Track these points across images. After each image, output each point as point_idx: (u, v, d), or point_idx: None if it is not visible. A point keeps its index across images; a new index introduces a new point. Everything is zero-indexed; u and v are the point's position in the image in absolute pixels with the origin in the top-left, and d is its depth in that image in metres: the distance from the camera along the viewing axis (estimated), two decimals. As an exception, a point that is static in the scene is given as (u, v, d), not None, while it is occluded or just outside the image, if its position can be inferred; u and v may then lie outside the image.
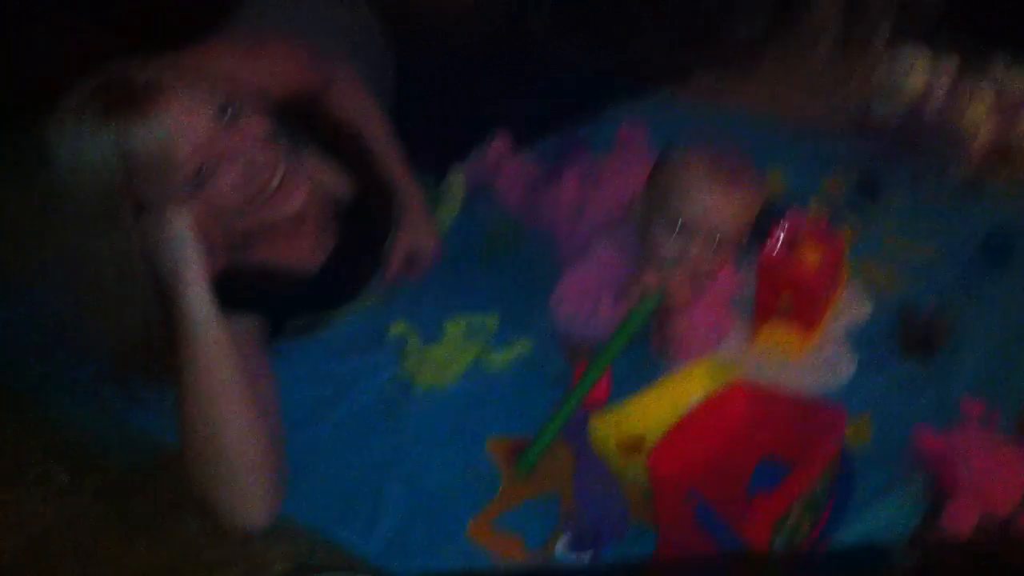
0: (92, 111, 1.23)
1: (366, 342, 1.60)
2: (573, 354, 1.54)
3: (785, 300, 1.56)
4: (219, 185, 1.31)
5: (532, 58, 2.23)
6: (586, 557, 1.23)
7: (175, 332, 1.25)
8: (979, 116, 2.02)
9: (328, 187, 1.59)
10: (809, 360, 1.54)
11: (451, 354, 1.54)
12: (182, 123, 1.26)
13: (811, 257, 1.59)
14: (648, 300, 1.42)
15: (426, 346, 1.57)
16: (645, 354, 1.54)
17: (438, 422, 1.45)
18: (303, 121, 1.53)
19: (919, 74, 2.11)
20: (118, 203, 1.26)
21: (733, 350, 1.55)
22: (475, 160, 1.99)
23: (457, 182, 1.96)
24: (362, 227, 1.65)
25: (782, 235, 1.57)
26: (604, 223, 1.59)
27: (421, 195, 1.75)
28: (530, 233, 1.83)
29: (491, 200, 1.93)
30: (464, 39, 2.17)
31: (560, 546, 1.24)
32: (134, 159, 1.24)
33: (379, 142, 1.71)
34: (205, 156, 1.29)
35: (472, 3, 2.37)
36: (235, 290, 1.35)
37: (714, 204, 1.40)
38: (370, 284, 1.70)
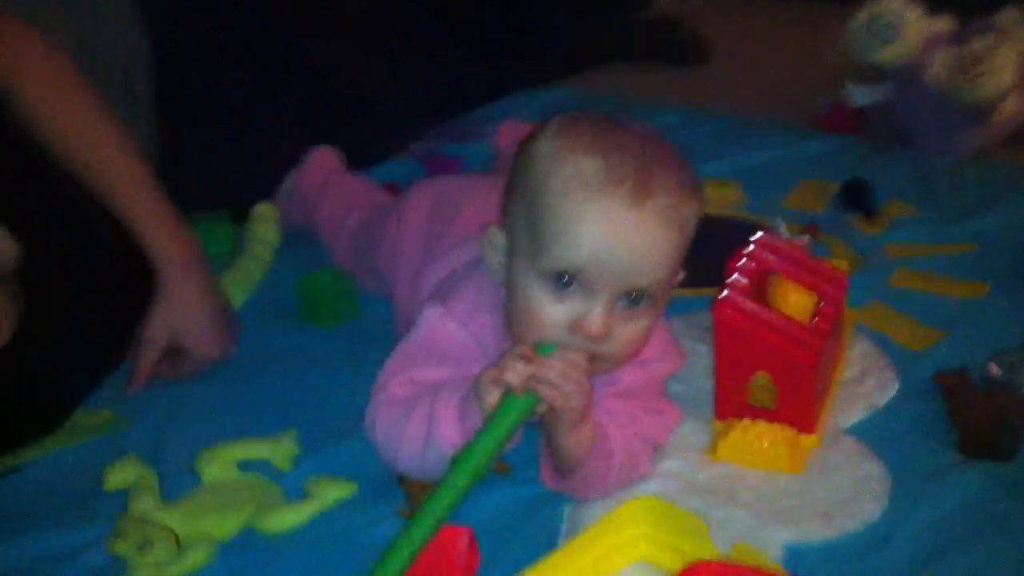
0: None
1: (68, 501, 0.96)
2: (415, 499, 0.91)
3: (761, 381, 0.94)
4: None
5: (385, 41, 1.60)
6: None
7: None
8: (1002, 82, 1.43)
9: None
10: (810, 485, 0.91)
11: (202, 518, 0.90)
12: None
13: (796, 306, 0.97)
14: (513, 405, 0.79)
15: (165, 505, 0.93)
16: (538, 490, 0.92)
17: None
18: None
19: (912, 32, 1.52)
20: None
21: (680, 475, 0.92)
22: (289, 189, 1.36)
23: (267, 221, 1.33)
24: (73, 309, 1.02)
25: (747, 273, 0.96)
26: (457, 275, 0.97)
27: (192, 250, 1.12)
28: (365, 296, 1.21)
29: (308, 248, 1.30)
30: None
31: None
32: None
33: (116, 171, 1.07)
34: None
35: None
36: None
37: (620, 235, 0.79)
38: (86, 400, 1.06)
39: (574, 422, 0.83)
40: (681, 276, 0.88)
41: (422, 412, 0.85)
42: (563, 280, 0.81)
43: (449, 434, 0.84)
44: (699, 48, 2.01)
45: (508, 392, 0.80)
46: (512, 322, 0.85)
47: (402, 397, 0.87)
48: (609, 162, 0.80)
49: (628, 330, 0.83)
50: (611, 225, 0.79)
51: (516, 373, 0.78)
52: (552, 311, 0.81)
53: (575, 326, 0.81)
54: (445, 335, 0.89)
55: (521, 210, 0.83)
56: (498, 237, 0.86)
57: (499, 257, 0.87)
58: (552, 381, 0.79)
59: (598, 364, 0.83)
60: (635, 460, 0.91)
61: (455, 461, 0.80)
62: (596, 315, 0.80)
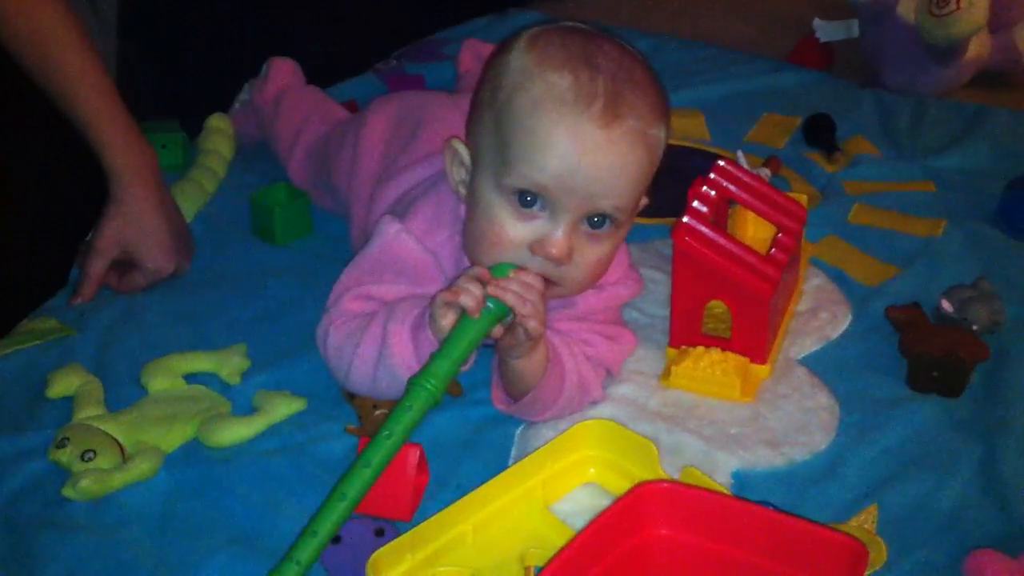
0: None
1: (11, 408, 0.94)
2: (364, 418, 0.91)
3: (716, 309, 0.94)
4: None
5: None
6: None
7: None
8: (971, 20, 1.43)
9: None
10: (761, 414, 0.91)
11: (147, 429, 0.89)
12: None
13: (755, 236, 0.97)
14: (469, 327, 0.78)
15: (110, 415, 0.91)
16: (488, 412, 0.91)
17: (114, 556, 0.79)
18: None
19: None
20: None
21: (632, 400, 0.92)
22: (246, 100, 1.32)
23: (220, 133, 1.29)
24: (26, 217, 0.99)
25: (707, 201, 0.95)
26: (415, 192, 0.95)
27: (150, 163, 1.08)
28: (320, 213, 1.19)
29: (263, 162, 1.27)
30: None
31: None
32: None
33: (78, 78, 1.04)
34: None
35: None
36: None
37: (588, 155, 0.77)
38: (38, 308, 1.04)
39: (528, 345, 0.82)
40: (645, 202, 0.87)
41: (375, 331, 0.84)
42: (526, 199, 0.79)
43: (402, 354, 0.82)
44: None
45: (463, 315, 0.79)
46: (470, 240, 0.84)
47: (356, 312, 0.86)
48: (580, 79, 0.78)
49: (589, 254, 0.81)
50: (579, 145, 0.77)
51: (471, 296, 0.77)
52: (513, 230, 0.80)
53: (536, 247, 0.79)
54: (402, 250, 0.87)
55: (487, 125, 0.81)
56: (462, 151, 0.84)
57: (461, 173, 0.85)
58: (509, 295, 0.77)
59: (556, 289, 0.83)
60: (587, 385, 0.90)
61: (411, 384, 0.79)
62: (558, 236, 0.79)
